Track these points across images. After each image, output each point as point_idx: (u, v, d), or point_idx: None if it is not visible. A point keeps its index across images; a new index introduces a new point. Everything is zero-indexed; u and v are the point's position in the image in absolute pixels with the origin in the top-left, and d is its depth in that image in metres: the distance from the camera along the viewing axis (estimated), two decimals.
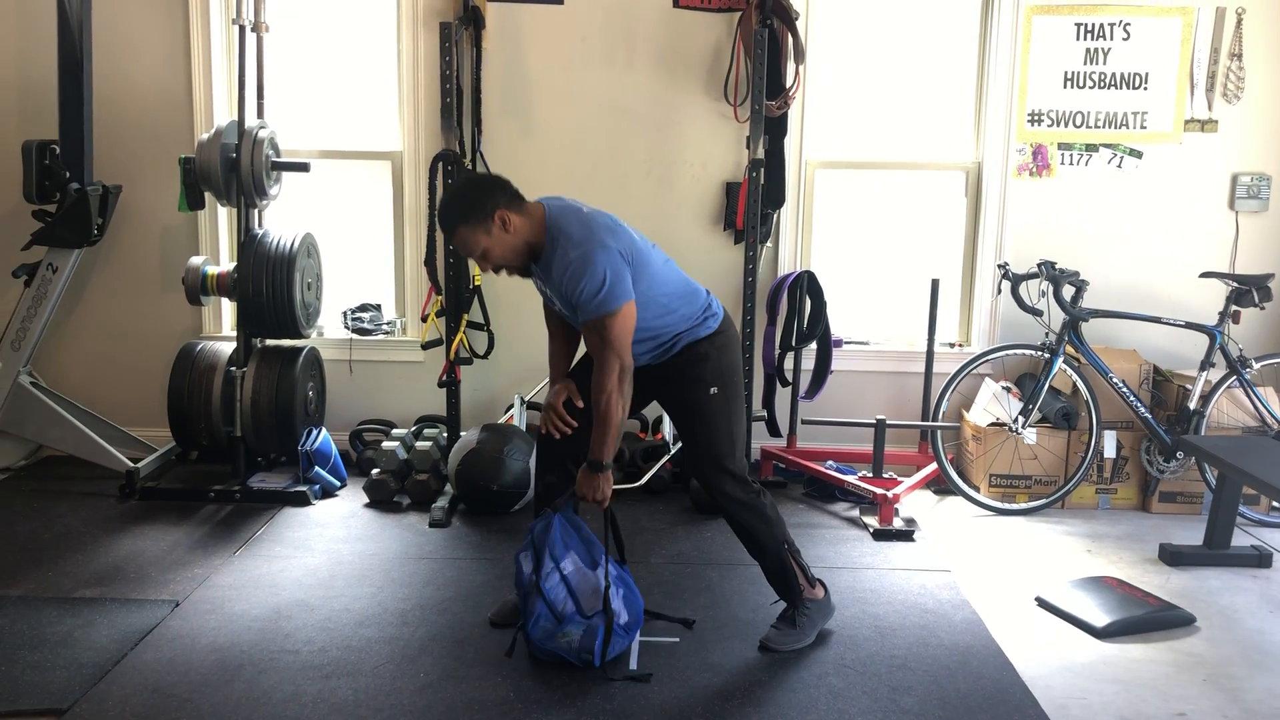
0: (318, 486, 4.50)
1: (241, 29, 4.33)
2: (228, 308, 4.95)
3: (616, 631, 3.02)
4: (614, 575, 3.10)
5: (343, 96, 4.94)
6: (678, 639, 3.23)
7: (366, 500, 4.44)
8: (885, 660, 3.14)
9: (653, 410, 4.77)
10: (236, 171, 4.34)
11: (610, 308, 2.84)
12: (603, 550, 3.12)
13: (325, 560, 3.84)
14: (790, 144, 4.77)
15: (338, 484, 4.60)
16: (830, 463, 4.71)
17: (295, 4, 4.83)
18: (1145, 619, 3.41)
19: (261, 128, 4.42)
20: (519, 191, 2.98)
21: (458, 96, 4.49)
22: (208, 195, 4.48)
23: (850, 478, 4.50)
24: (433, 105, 4.68)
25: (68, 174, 4.42)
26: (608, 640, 3.00)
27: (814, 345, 4.76)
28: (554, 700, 2.88)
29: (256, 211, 4.58)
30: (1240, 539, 4.11)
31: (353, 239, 5.03)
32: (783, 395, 4.82)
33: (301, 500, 4.39)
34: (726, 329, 3.15)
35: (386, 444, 4.56)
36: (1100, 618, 3.40)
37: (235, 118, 4.39)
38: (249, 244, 4.42)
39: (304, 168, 4.56)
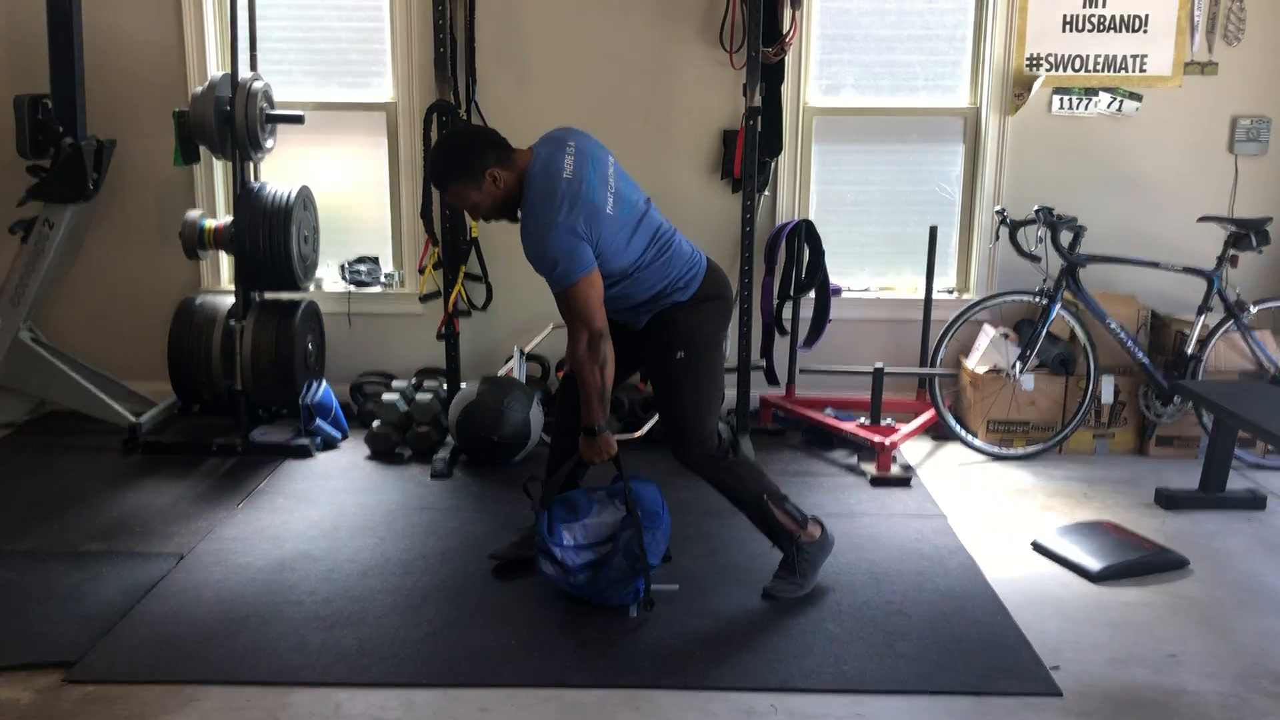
0: (319, 439, 4.53)
1: None
2: (225, 261, 4.95)
3: (647, 525, 3.08)
4: (613, 488, 3.17)
5: (336, 47, 4.90)
6: (677, 585, 3.27)
7: (368, 452, 4.47)
8: (881, 606, 3.18)
9: None
10: (231, 124, 4.31)
11: (567, 282, 2.88)
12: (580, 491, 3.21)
13: (328, 512, 3.87)
14: (787, 91, 4.74)
15: (339, 436, 4.63)
16: (829, 410, 4.74)
17: None
18: (1139, 563, 3.45)
19: (255, 80, 4.39)
20: (507, 143, 3.01)
21: (451, 46, 4.45)
22: (202, 149, 4.46)
23: (848, 425, 4.53)
24: (426, 55, 4.63)
25: (61, 128, 4.40)
26: (638, 528, 3.04)
27: (812, 294, 4.76)
28: (555, 647, 2.93)
29: (252, 164, 4.56)
30: (1236, 482, 4.15)
31: (349, 191, 5.02)
32: (781, 344, 4.83)
33: (303, 453, 4.42)
34: (704, 293, 3.12)
35: (387, 396, 4.58)
36: (1095, 562, 3.43)
37: (228, 70, 4.35)
38: (245, 197, 4.41)
39: (298, 119, 4.54)
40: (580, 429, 3.07)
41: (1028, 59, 4.75)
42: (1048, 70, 4.75)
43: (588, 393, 2.96)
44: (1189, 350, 4.46)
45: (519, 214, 2.98)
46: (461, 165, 2.96)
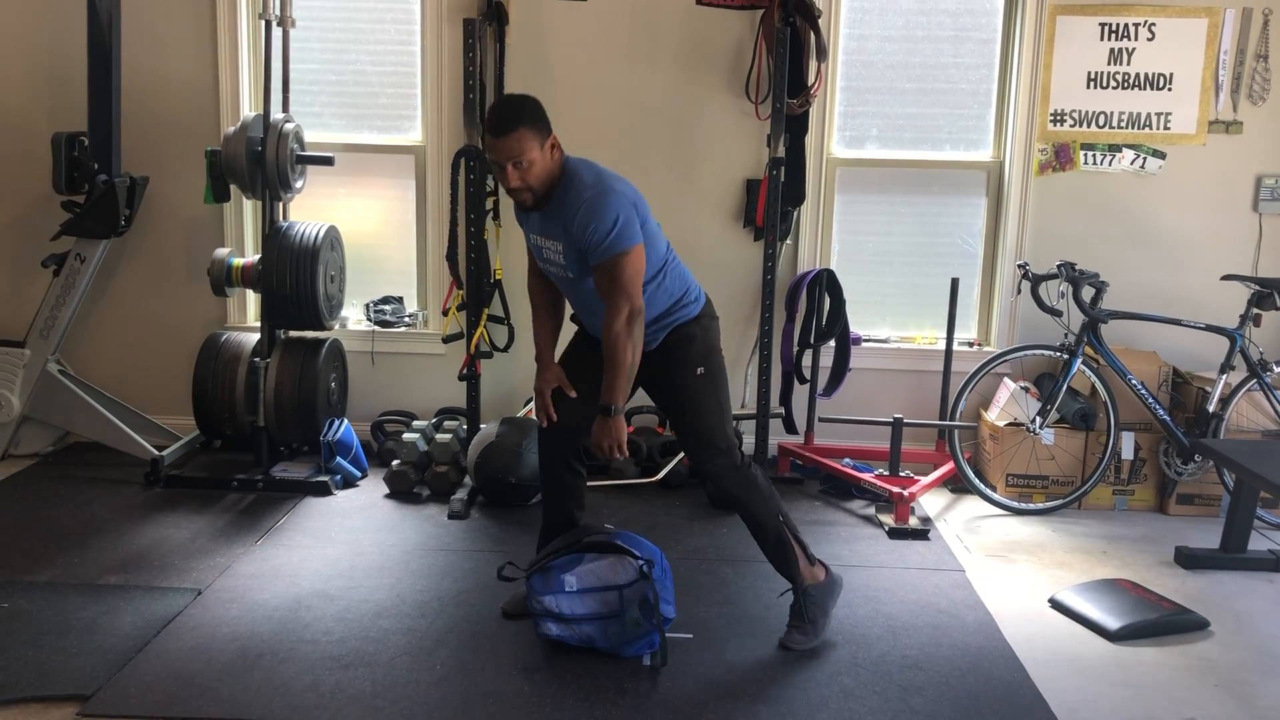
0: (339, 477, 4.55)
1: (268, 23, 4.37)
2: (252, 299, 5.01)
3: (655, 576, 3.09)
4: (614, 536, 3.19)
5: (368, 91, 4.98)
6: (691, 635, 3.26)
7: (387, 491, 4.49)
8: (897, 660, 3.16)
9: None
10: (262, 164, 4.39)
11: (620, 248, 2.90)
12: (573, 550, 3.18)
13: (345, 550, 3.89)
14: (811, 142, 4.78)
15: (359, 474, 4.65)
16: (847, 460, 4.73)
17: None
18: (1159, 622, 3.42)
19: (287, 121, 4.47)
20: None
21: (481, 92, 4.52)
22: (233, 188, 4.53)
23: (867, 475, 4.52)
24: (456, 100, 4.71)
25: (96, 165, 4.48)
26: (647, 577, 3.05)
27: (832, 343, 4.77)
28: (567, 694, 2.92)
29: (281, 204, 4.62)
30: (1258, 542, 4.10)
31: (376, 231, 5.08)
32: (800, 392, 4.84)
33: (323, 490, 4.44)
34: (707, 310, 3.24)
35: (407, 436, 4.61)
36: (1113, 620, 3.40)
37: (261, 111, 4.43)
38: (273, 236, 4.47)
39: (328, 161, 4.60)
40: (568, 513, 3.28)
41: (1052, 114, 4.78)
42: (1071, 125, 4.78)
43: (617, 370, 2.94)
44: (1211, 408, 4.43)
45: (553, 201, 2.98)
46: (538, 115, 2.95)
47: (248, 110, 4.81)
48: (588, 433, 3.09)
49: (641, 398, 3.39)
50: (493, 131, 2.93)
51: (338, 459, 4.57)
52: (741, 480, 3.19)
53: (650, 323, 3.09)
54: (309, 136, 4.70)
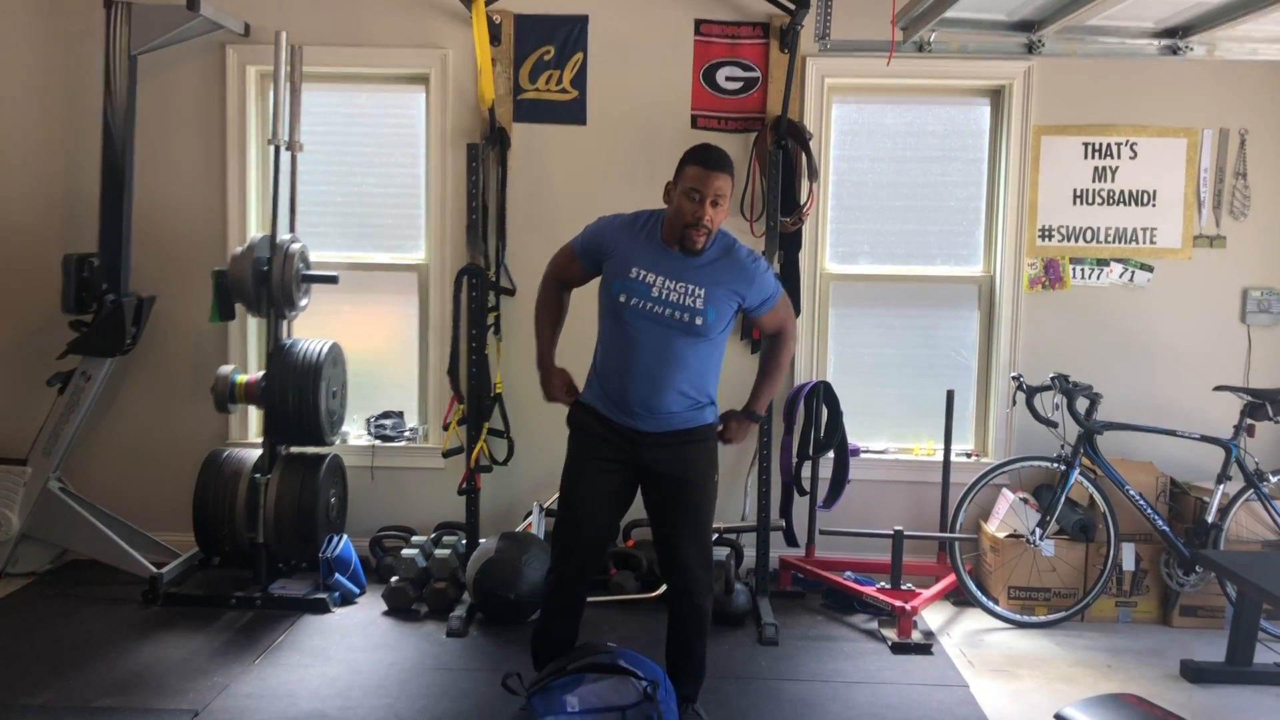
0: (337, 594, 4.52)
1: (276, 148, 4.50)
2: (254, 415, 5.05)
3: (659, 698, 3.08)
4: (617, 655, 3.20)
5: (372, 211, 5.11)
6: None
7: (385, 608, 4.46)
8: None
9: None
10: (267, 284, 4.47)
11: (781, 289, 3.40)
12: (575, 670, 3.17)
13: (343, 669, 3.85)
14: (804, 258, 4.88)
15: (357, 591, 4.62)
16: (849, 573, 4.71)
17: (328, 124, 5.02)
18: None
19: (293, 241, 4.57)
20: None
21: (483, 213, 4.63)
22: (238, 306, 4.61)
23: (869, 589, 4.50)
24: (459, 220, 4.83)
25: (105, 286, 4.56)
26: (658, 714, 3.05)
27: (831, 454, 4.80)
28: None
29: (285, 321, 4.69)
30: (1264, 655, 4.07)
31: (378, 347, 5.15)
32: (800, 505, 4.85)
33: (321, 608, 4.42)
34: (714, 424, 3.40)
35: (406, 551, 4.60)
36: None
37: (268, 232, 4.53)
38: (277, 353, 4.53)
39: (333, 280, 4.69)
40: (573, 632, 3.35)
41: (1040, 230, 4.89)
42: (1059, 241, 4.89)
43: (776, 384, 3.44)
44: (1209, 519, 4.44)
45: (709, 253, 3.24)
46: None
47: (255, 231, 4.92)
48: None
49: (637, 510, 3.40)
50: (708, 165, 3.21)
51: (336, 575, 4.55)
52: (710, 596, 3.32)
53: (695, 395, 3.24)
54: (314, 255, 4.79)
